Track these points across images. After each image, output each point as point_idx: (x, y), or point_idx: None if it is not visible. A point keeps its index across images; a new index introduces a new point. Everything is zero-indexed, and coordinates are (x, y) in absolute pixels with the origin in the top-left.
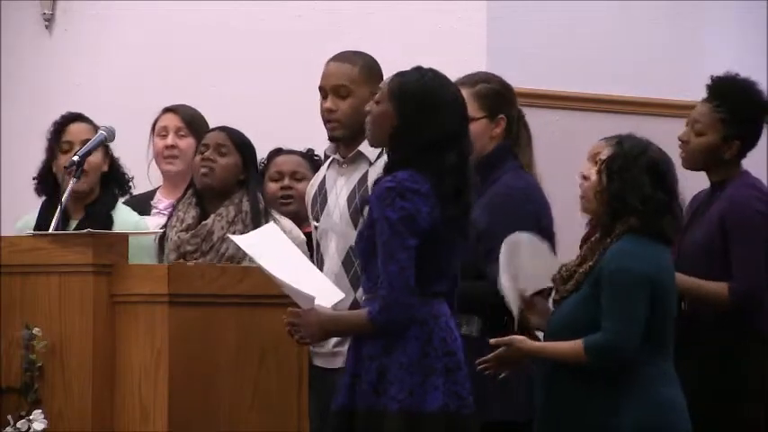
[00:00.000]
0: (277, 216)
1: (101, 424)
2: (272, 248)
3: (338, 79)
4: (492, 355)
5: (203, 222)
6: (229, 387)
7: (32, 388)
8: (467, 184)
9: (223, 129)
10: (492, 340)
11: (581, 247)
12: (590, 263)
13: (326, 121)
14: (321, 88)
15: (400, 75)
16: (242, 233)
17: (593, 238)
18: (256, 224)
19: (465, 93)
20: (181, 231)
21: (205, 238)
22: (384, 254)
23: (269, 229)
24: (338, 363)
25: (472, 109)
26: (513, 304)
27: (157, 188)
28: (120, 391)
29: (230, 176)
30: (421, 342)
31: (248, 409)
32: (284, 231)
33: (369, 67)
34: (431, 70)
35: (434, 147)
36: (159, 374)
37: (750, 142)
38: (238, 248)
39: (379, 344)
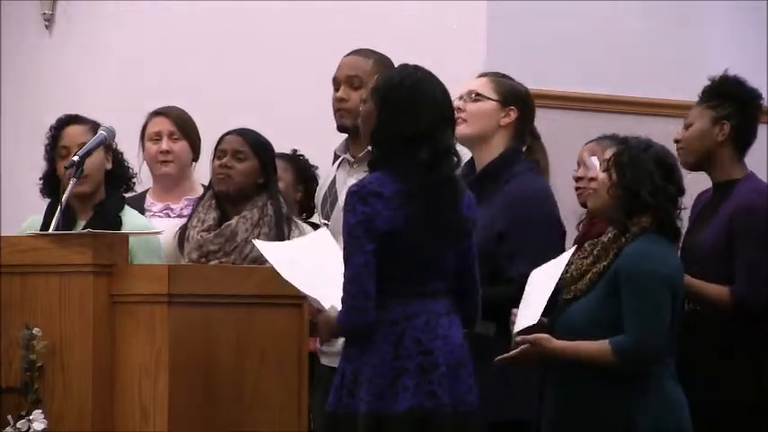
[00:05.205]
0: (298, 221)
1: (101, 424)
2: (302, 252)
3: (351, 70)
4: (515, 351)
5: (227, 223)
6: (229, 387)
7: (32, 388)
8: (441, 182)
9: (240, 132)
10: (518, 338)
11: (575, 244)
12: (604, 263)
13: (336, 110)
14: (335, 79)
15: (384, 73)
16: (266, 236)
17: (605, 237)
18: (279, 228)
19: (485, 79)
20: (203, 231)
21: (228, 238)
22: (344, 259)
23: (319, 233)
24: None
25: (486, 90)
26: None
27: (146, 191)
28: (120, 391)
29: (248, 181)
30: (391, 343)
31: (248, 409)
32: (303, 235)
33: (382, 63)
34: (415, 68)
35: (406, 144)
36: (159, 374)
37: (742, 125)
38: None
39: (357, 346)
